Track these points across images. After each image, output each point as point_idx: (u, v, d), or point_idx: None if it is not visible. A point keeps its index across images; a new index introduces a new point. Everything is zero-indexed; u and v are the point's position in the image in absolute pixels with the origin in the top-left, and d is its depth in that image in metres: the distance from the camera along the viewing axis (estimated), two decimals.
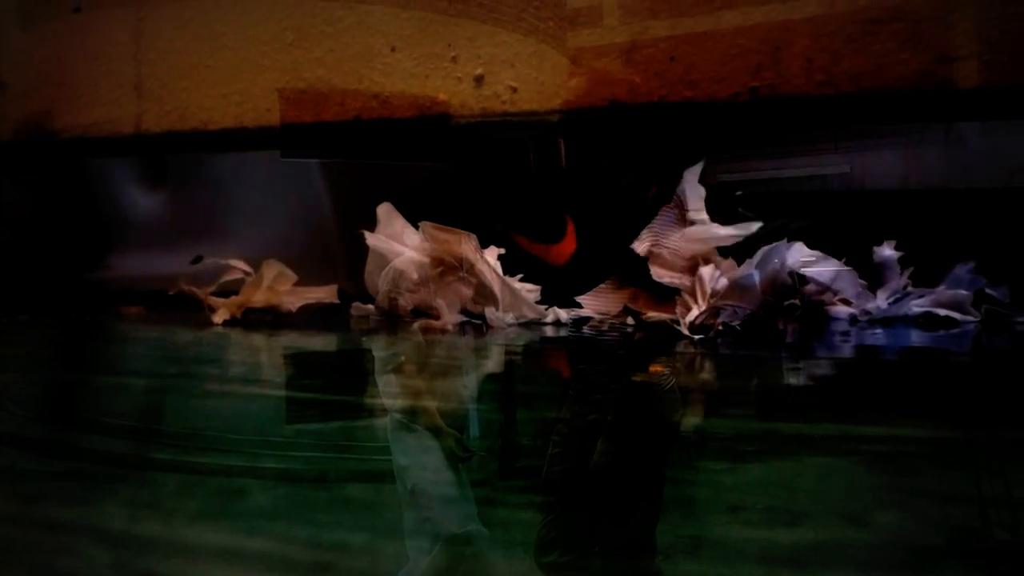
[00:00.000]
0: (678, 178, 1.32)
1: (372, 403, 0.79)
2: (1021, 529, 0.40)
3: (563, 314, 1.25)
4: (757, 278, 1.16)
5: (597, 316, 1.24)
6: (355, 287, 1.36)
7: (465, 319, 1.24)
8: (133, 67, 1.42)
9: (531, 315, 1.24)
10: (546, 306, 1.26)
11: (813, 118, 1.23)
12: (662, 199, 1.30)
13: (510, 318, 1.22)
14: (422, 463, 0.51)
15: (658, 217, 1.26)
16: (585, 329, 1.21)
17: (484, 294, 1.24)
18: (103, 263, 1.79)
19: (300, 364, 1.10)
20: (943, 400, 0.78)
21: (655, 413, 0.70)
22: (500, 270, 1.25)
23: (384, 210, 1.27)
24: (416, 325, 1.23)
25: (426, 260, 1.24)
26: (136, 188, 1.79)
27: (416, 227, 1.26)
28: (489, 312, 1.22)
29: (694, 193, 1.25)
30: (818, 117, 1.22)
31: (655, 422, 0.67)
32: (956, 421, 0.68)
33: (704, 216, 1.23)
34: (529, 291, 1.27)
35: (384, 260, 1.26)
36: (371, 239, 1.27)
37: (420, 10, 1.28)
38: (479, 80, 1.26)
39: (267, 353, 1.17)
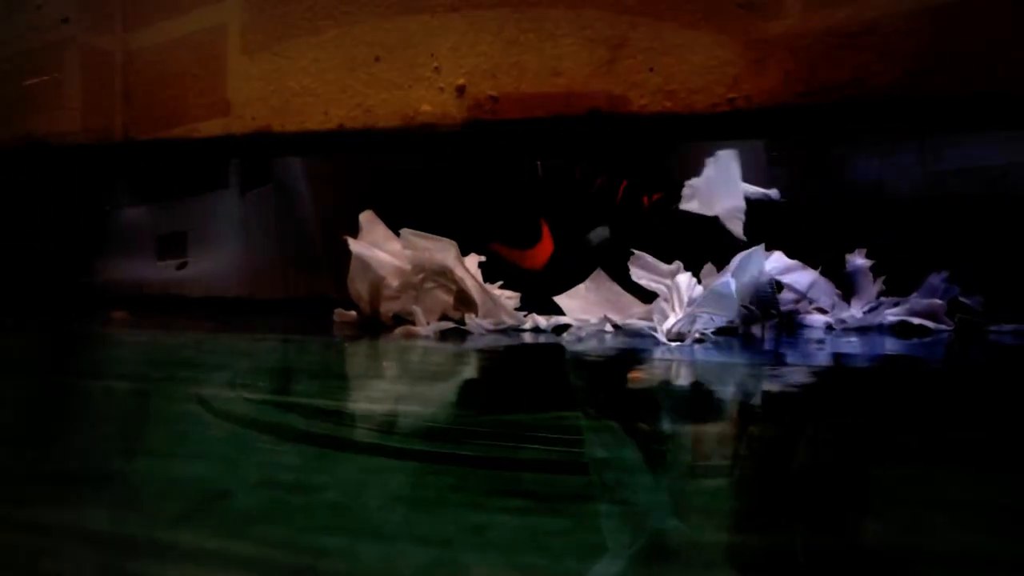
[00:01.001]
0: (648, 182, 1.33)
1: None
2: (999, 532, 0.41)
3: (542, 321, 1.26)
4: (734, 286, 1.16)
5: (576, 323, 1.26)
6: (339, 293, 1.38)
7: (453, 325, 1.26)
8: (121, 76, 1.44)
9: (510, 321, 1.26)
10: (525, 312, 1.28)
11: (791, 129, 1.25)
12: (630, 200, 1.31)
13: (489, 324, 1.24)
14: (619, 457, 0.52)
15: None
16: (565, 336, 1.22)
17: (464, 301, 1.25)
18: (90, 268, 1.81)
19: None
20: (922, 405, 0.79)
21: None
22: (480, 277, 1.26)
23: (366, 217, 1.29)
24: (398, 331, 1.24)
25: (407, 267, 1.25)
26: (123, 194, 1.81)
27: (397, 234, 1.28)
28: (469, 319, 1.24)
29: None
30: (796, 128, 1.24)
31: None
32: (935, 426, 0.69)
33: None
34: (508, 298, 1.28)
35: (366, 266, 1.28)
36: (354, 245, 1.28)
37: (403, 21, 1.30)
38: (461, 90, 1.27)
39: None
